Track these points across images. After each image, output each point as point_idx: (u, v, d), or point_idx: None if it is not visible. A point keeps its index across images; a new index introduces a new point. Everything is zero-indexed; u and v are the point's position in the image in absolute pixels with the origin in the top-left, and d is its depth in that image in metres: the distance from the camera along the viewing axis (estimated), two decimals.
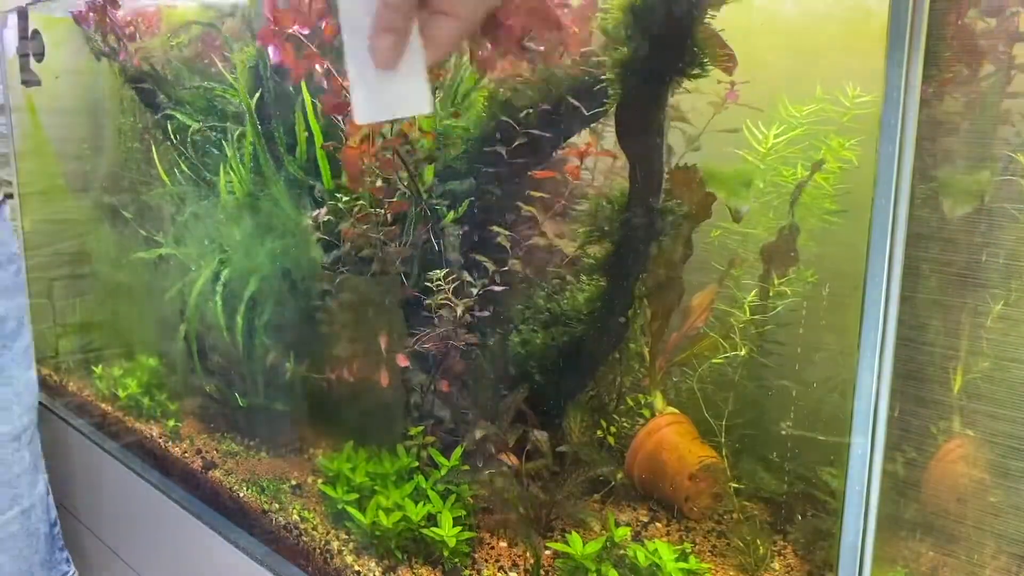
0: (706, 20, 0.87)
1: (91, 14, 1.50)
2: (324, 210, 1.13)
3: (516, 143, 1.03)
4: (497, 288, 1.03)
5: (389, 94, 0.60)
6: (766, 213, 1.02)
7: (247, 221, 1.26)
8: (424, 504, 1.01)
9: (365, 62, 0.58)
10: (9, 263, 0.96)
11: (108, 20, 1.48)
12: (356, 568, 1.01)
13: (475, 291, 1.03)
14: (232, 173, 1.26)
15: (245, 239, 1.25)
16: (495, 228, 1.04)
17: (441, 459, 1.05)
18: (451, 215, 1.09)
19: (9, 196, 1.84)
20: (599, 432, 1.11)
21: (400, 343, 1.10)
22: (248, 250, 1.26)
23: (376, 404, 1.16)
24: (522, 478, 1.03)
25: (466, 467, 1.05)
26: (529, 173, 1.03)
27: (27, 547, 0.98)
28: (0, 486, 0.97)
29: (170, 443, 1.39)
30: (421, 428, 1.09)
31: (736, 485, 1.02)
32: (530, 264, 1.10)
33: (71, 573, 1.16)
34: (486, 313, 1.06)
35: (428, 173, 1.10)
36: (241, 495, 1.22)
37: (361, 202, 1.08)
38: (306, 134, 1.21)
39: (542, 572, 0.95)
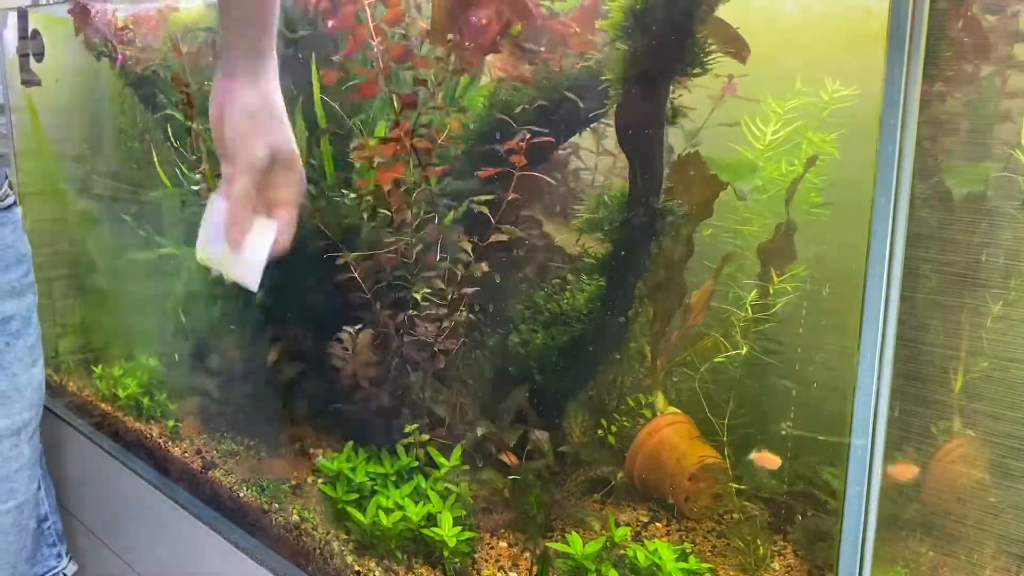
0: (714, 13, 0.87)
1: (85, 18, 1.50)
2: None
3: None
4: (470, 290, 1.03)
5: (228, 258, 0.80)
6: (761, 211, 1.02)
7: None
8: (424, 504, 1.01)
9: (219, 224, 0.79)
10: (18, 264, 0.98)
11: (91, 23, 1.48)
12: (356, 568, 1.01)
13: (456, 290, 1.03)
14: None
15: None
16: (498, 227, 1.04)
17: (441, 459, 1.05)
18: (450, 215, 1.09)
19: None
20: (600, 432, 1.11)
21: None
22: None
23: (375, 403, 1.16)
24: (522, 478, 1.03)
25: (466, 467, 1.05)
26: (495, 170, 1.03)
27: (15, 541, 1.00)
28: None
29: (170, 443, 1.39)
30: (416, 426, 1.09)
31: (736, 485, 1.02)
32: (530, 263, 1.10)
33: (61, 566, 1.17)
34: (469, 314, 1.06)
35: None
36: (241, 495, 1.22)
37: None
38: (306, 134, 1.21)
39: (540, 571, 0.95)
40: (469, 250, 1.02)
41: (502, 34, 0.99)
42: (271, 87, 0.82)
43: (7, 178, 0.97)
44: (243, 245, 0.80)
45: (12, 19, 1.75)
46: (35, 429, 1.01)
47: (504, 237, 1.03)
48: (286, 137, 0.81)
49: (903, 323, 0.66)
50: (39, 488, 1.09)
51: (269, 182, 0.81)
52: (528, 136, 0.97)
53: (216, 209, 0.80)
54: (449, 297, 1.04)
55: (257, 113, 0.80)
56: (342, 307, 1.17)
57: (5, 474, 0.96)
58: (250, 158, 0.79)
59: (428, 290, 1.05)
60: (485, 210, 1.02)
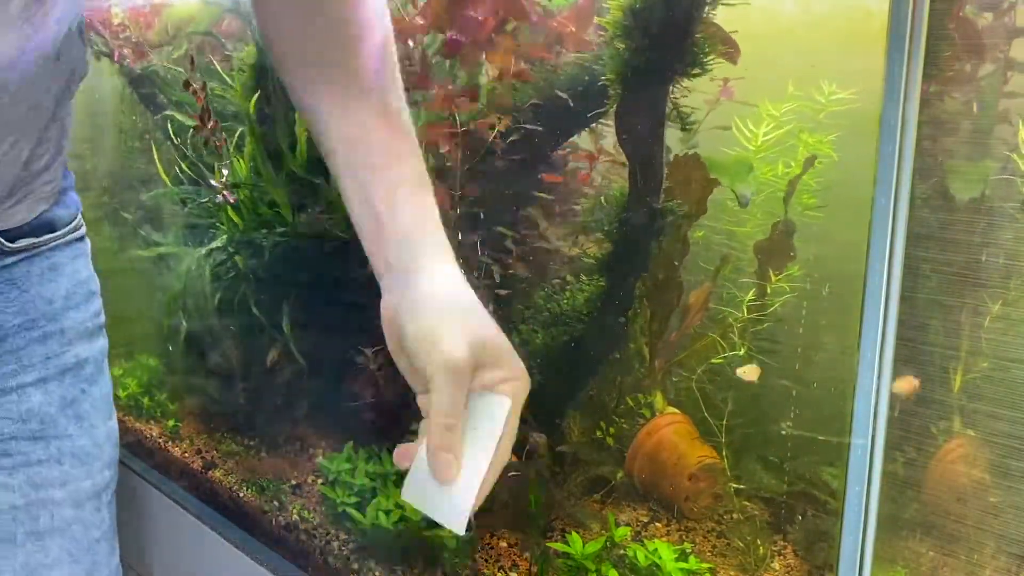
0: (708, 16, 0.87)
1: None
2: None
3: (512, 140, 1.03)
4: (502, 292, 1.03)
5: (435, 495, 0.63)
6: (756, 211, 1.02)
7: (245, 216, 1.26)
8: None
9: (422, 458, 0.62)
10: (89, 302, 0.84)
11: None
12: (356, 568, 1.01)
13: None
14: (232, 170, 1.26)
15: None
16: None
17: None
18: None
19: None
20: (599, 432, 1.11)
21: None
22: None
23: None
24: (522, 477, 1.03)
25: None
26: (540, 176, 1.03)
27: None
28: (79, 552, 0.82)
29: (170, 443, 1.39)
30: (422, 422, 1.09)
31: (736, 485, 1.02)
32: (532, 264, 1.10)
33: None
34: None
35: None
36: (241, 495, 1.22)
37: None
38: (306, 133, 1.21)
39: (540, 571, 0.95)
40: (513, 251, 1.02)
41: (497, 31, 0.98)
42: (455, 271, 0.64)
43: (79, 207, 0.84)
44: (455, 477, 0.63)
45: None
46: (113, 492, 0.88)
47: (544, 244, 1.03)
48: (490, 328, 0.62)
49: (903, 323, 0.66)
50: (119, 569, 0.93)
51: (475, 384, 0.62)
52: (599, 153, 0.98)
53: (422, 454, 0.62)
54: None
55: (441, 300, 0.63)
56: (348, 306, 1.17)
57: (87, 543, 0.83)
58: (451, 360, 0.59)
59: None
60: (536, 215, 1.02)
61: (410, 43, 1.04)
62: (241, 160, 1.26)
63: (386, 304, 0.65)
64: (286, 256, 1.24)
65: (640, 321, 1.09)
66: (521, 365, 0.64)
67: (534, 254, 1.10)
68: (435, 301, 0.63)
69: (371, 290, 1.10)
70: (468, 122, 1.04)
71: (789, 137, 0.99)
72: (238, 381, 1.34)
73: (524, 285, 1.11)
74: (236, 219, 1.26)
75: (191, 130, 1.34)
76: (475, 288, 0.66)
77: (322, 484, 1.15)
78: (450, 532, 0.97)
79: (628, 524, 1.03)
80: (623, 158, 0.99)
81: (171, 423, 1.43)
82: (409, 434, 1.10)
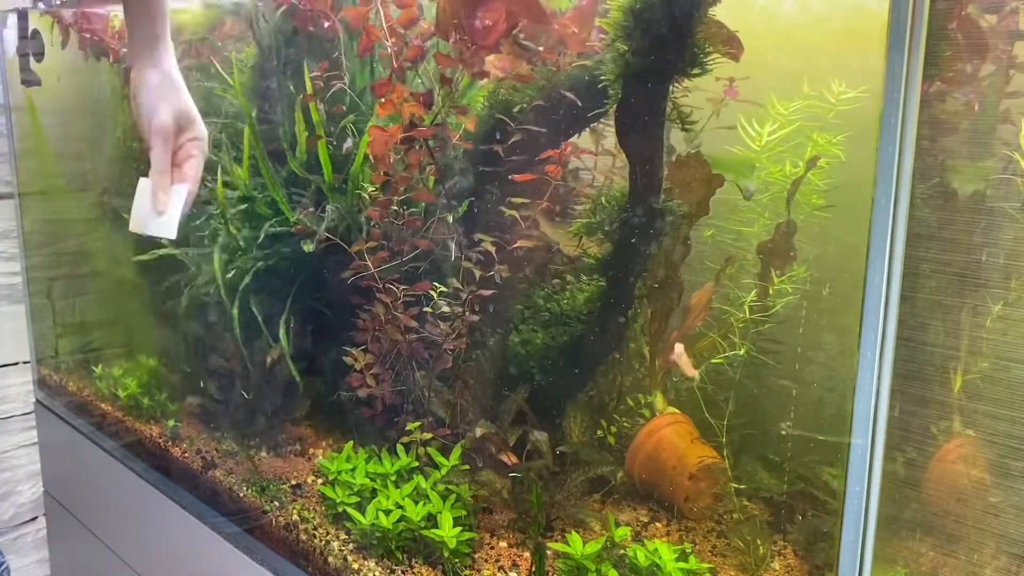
0: (709, 13, 0.87)
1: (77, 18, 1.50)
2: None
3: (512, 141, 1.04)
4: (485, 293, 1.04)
5: (154, 221, 0.94)
6: (762, 212, 1.02)
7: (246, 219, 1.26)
8: (424, 504, 1.01)
9: (146, 196, 0.94)
10: None
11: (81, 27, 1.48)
12: (356, 568, 1.01)
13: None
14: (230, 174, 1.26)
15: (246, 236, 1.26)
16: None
17: (441, 459, 1.05)
18: (449, 217, 1.09)
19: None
20: (599, 432, 1.11)
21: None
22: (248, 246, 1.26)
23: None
24: (522, 478, 1.03)
25: (466, 467, 1.05)
26: (511, 176, 1.03)
27: None
28: None
29: (170, 443, 1.39)
30: (419, 424, 1.09)
31: (736, 485, 1.02)
32: (530, 263, 1.10)
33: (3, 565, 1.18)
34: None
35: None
36: (241, 495, 1.22)
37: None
38: (306, 134, 1.21)
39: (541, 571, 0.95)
40: (493, 252, 1.02)
41: (507, 35, 0.98)
42: (168, 63, 0.95)
43: None
44: (168, 207, 0.93)
45: (12, 19, 1.75)
46: None
47: (531, 243, 1.03)
48: (184, 99, 0.95)
49: (903, 323, 0.66)
50: None
51: (177, 142, 0.94)
52: (567, 147, 0.99)
53: (145, 188, 0.93)
54: (464, 297, 1.04)
55: (159, 86, 0.94)
56: (343, 308, 1.17)
57: None
58: (160, 125, 0.91)
59: (443, 289, 1.05)
60: (516, 214, 1.02)
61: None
62: (241, 163, 1.26)
63: (132, 80, 0.96)
64: (286, 257, 1.25)
65: (640, 321, 1.09)
66: (203, 127, 0.97)
67: (533, 253, 1.10)
68: (153, 88, 0.94)
69: (368, 291, 1.11)
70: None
71: (795, 136, 0.99)
72: (238, 381, 1.34)
73: (524, 285, 1.11)
74: (234, 229, 1.26)
75: None
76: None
77: (322, 484, 1.15)
78: (449, 532, 0.98)
79: (628, 524, 1.03)
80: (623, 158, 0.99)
81: (171, 423, 1.43)
82: (405, 434, 1.10)
